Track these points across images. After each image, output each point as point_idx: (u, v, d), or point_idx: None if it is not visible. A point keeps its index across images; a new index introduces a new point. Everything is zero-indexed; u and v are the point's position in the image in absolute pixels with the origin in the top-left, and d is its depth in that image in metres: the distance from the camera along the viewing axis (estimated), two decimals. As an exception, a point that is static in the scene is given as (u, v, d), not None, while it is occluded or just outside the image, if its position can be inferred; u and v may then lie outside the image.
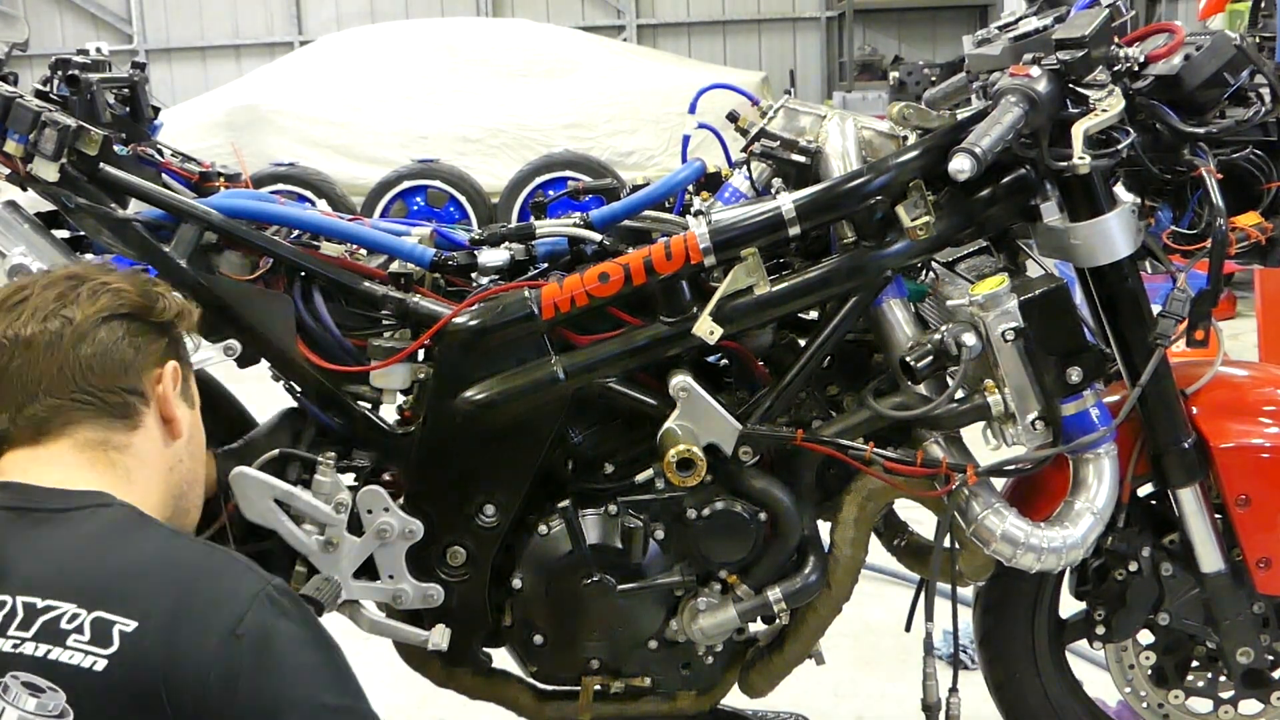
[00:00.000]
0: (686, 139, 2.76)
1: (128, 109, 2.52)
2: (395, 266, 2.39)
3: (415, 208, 9.63)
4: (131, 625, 1.45)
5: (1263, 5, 6.94)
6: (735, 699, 2.58)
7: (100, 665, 1.43)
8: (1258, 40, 6.19)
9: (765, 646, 2.49)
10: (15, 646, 1.45)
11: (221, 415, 2.43)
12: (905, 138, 2.25)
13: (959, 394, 2.16)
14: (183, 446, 1.81)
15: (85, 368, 1.68)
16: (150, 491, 1.73)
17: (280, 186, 8.85)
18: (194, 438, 1.85)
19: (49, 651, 1.44)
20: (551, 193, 9.23)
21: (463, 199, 9.63)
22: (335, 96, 10.34)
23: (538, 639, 2.39)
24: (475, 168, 9.89)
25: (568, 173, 9.62)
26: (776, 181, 2.37)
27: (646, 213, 2.44)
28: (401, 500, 2.34)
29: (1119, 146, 2.08)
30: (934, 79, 10.99)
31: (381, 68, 10.59)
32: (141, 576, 1.51)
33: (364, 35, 11.57)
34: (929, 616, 2.41)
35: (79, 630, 1.45)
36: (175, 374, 1.78)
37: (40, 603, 1.47)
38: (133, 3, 15.63)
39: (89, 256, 2.40)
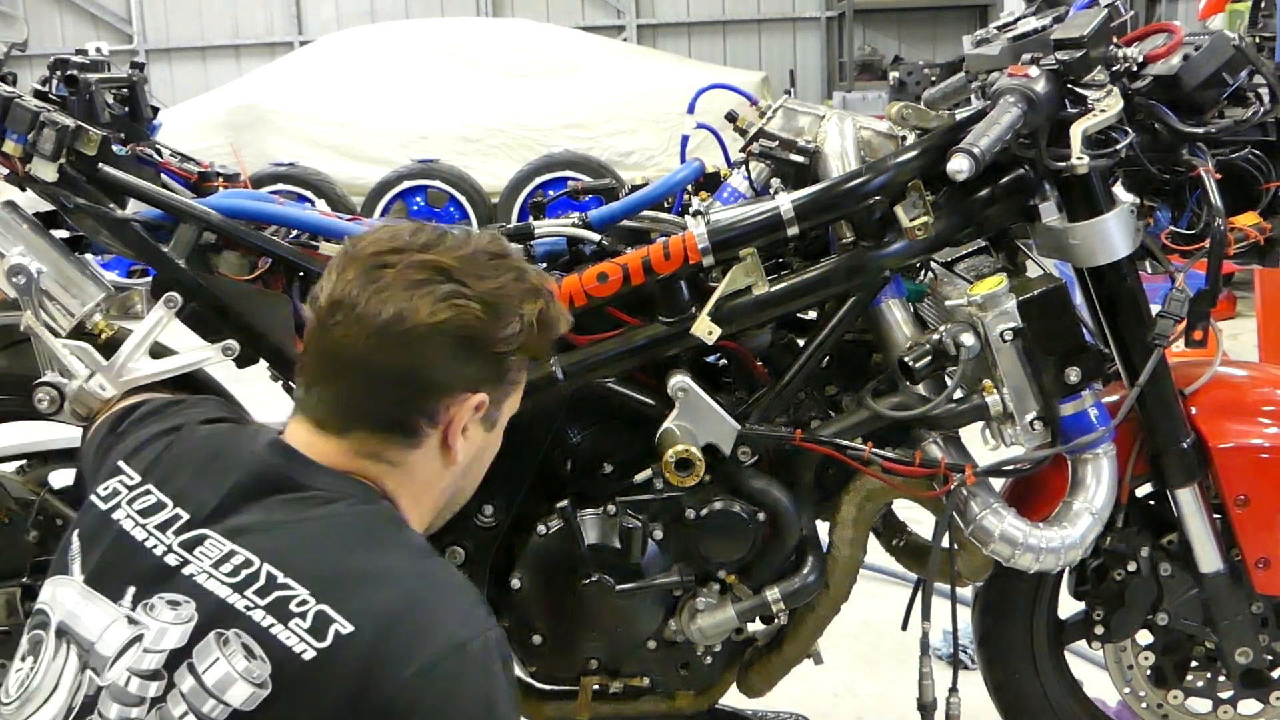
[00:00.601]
0: (685, 139, 2.76)
1: (126, 109, 2.52)
2: (394, 266, 2.38)
3: (415, 208, 9.63)
4: (349, 629, 1.50)
5: (1262, 5, 6.95)
6: (735, 699, 2.58)
7: (309, 655, 1.48)
8: (1257, 40, 6.20)
9: (764, 646, 2.49)
10: (247, 608, 1.52)
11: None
12: (904, 138, 2.25)
13: (957, 394, 2.17)
14: (458, 471, 1.78)
15: (392, 376, 1.66)
16: (411, 505, 1.74)
17: (280, 186, 8.85)
18: (477, 461, 1.83)
19: (272, 625, 1.50)
20: (551, 193, 9.22)
21: (463, 199, 9.63)
22: (335, 96, 10.34)
23: (536, 639, 2.39)
24: (475, 168, 9.89)
25: (568, 173, 9.62)
26: (775, 181, 2.37)
27: (645, 213, 2.44)
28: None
29: (1118, 147, 2.08)
30: (934, 79, 10.97)
31: (381, 68, 10.59)
32: (374, 583, 1.55)
33: (364, 35, 11.57)
34: (926, 616, 2.41)
35: (303, 616, 1.50)
36: (480, 406, 1.72)
37: (281, 576, 1.54)
38: (133, 3, 15.62)
39: (89, 256, 2.40)
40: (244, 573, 1.54)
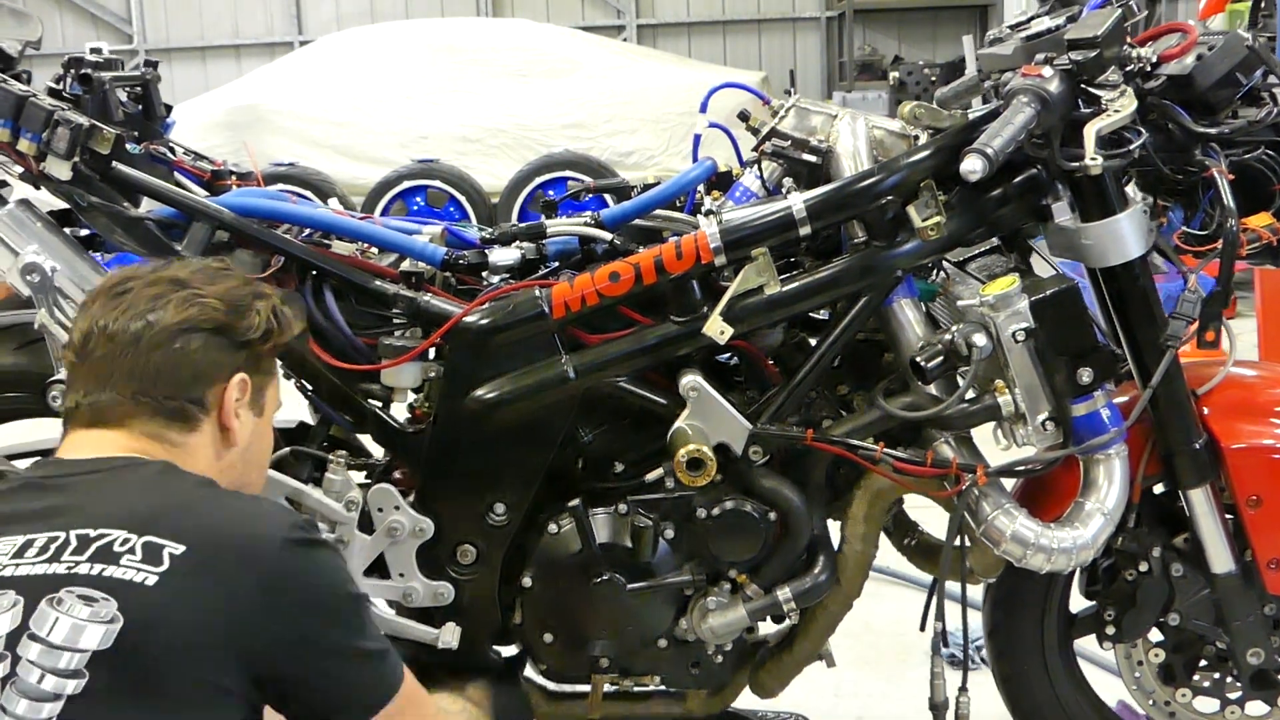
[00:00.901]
0: (698, 138, 2.76)
1: (140, 107, 2.53)
2: (406, 265, 2.39)
3: (415, 208, 9.63)
4: (180, 549, 1.58)
5: (1263, 5, 6.95)
6: (742, 699, 2.58)
7: (151, 580, 1.56)
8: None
9: (775, 646, 2.49)
10: (70, 569, 1.57)
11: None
12: (916, 138, 2.26)
13: (969, 394, 2.17)
14: (236, 454, 1.89)
15: (154, 373, 1.78)
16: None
17: (280, 186, 8.80)
18: (254, 445, 1.93)
19: (103, 570, 1.56)
20: (552, 193, 9.25)
21: (463, 199, 9.63)
22: (335, 96, 10.34)
23: (547, 637, 2.39)
24: (475, 168, 9.89)
25: (568, 173, 9.62)
26: (787, 181, 2.37)
27: (657, 212, 2.44)
28: (412, 498, 2.34)
29: (1131, 147, 2.08)
30: (934, 79, 11.02)
31: (381, 68, 10.59)
32: (186, 508, 1.66)
33: (364, 35, 11.56)
34: (939, 616, 2.41)
35: (131, 551, 1.58)
36: (243, 386, 1.86)
37: (93, 532, 1.60)
38: (133, 3, 15.62)
39: (98, 255, 2.40)
40: (52, 546, 1.60)
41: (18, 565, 1.59)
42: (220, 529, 1.64)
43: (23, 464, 2.49)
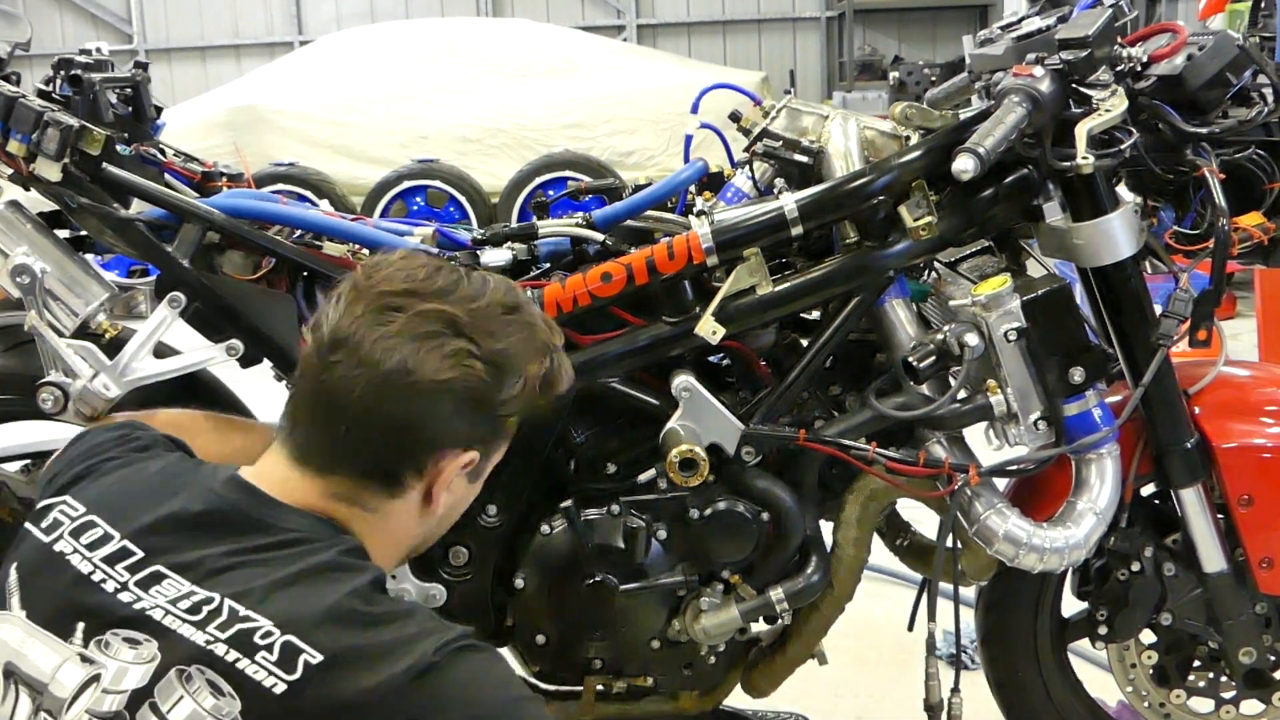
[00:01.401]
0: (689, 139, 2.75)
1: (130, 109, 2.52)
2: (398, 266, 2.39)
3: (415, 208, 9.62)
4: (318, 658, 1.44)
5: (1263, 5, 6.94)
6: (736, 698, 2.58)
7: (279, 689, 1.43)
8: (1258, 40, 6.19)
9: (768, 646, 2.49)
10: (209, 644, 1.46)
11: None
12: (908, 138, 2.25)
13: (961, 394, 2.17)
14: (432, 521, 1.75)
15: (386, 427, 1.62)
16: (379, 547, 1.69)
17: (280, 186, 8.84)
18: (454, 509, 1.79)
19: (238, 660, 1.44)
20: (552, 193, 9.24)
21: (463, 199, 9.62)
22: (335, 96, 10.32)
23: (540, 639, 2.39)
24: (475, 168, 9.88)
25: (568, 173, 9.61)
26: (779, 181, 2.37)
27: (649, 212, 2.44)
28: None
29: (1122, 146, 2.08)
30: (934, 79, 11.02)
31: (381, 68, 10.58)
32: (332, 612, 1.50)
33: (364, 35, 11.56)
34: (931, 616, 2.41)
35: (269, 649, 1.45)
36: (470, 464, 1.70)
37: (243, 610, 1.48)
38: (133, 3, 15.63)
39: (91, 257, 2.40)
40: (205, 609, 1.49)
41: (167, 614, 1.49)
42: (361, 649, 1.47)
43: (11, 467, 2.50)
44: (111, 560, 1.56)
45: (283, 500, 1.62)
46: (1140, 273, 2.23)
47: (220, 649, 1.45)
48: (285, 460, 1.65)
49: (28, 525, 1.65)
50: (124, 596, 1.52)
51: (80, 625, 1.52)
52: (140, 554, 1.56)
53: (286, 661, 1.44)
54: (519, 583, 2.35)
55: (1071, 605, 2.55)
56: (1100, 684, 2.74)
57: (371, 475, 1.64)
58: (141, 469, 1.72)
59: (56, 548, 1.59)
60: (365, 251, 2.42)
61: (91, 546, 1.58)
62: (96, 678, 1.48)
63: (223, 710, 1.43)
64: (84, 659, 1.50)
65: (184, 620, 1.49)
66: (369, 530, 1.66)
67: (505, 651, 2.50)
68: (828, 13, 15.89)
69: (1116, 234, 2.15)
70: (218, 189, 2.48)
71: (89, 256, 2.39)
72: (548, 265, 2.39)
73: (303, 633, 1.46)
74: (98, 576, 1.55)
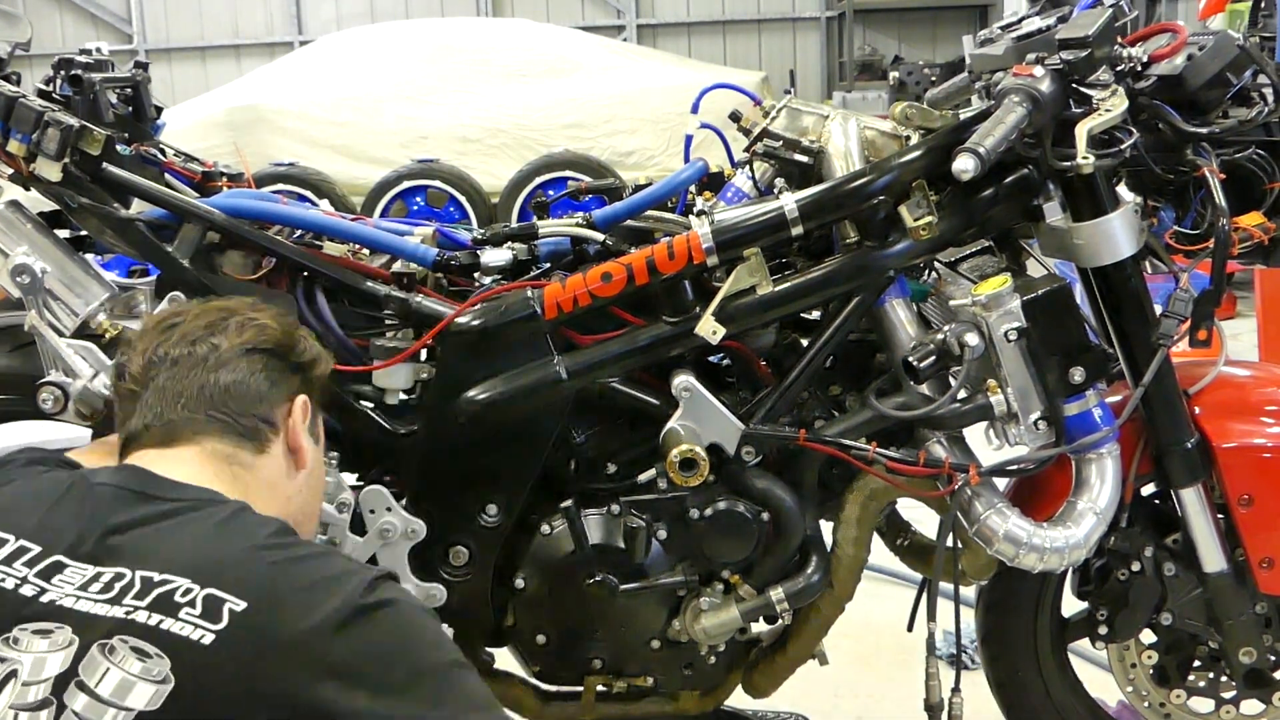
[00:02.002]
0: (689, 139, 2.76)
1: (130, 109, 2.52)
2: (398, 266, 2.40)
3: (415, 208, 9.62)
4: (241, 605, 1.49)
5: (1263, 5, 6.95)
6: (735, 698, 2.58)
7: (208, 639, 1.46)
8: (1258, 40, 6.20)
9: (768, 646, 2.49)
10: (128, 614, 1.49)
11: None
12: (908, 138, 2.25)
13: (961, 394, 2.16)
14: (304, 478, 1.88)
15: (224, 391, 1.79)
16: (268, 509, 1.75)
17: (280, 186, 8.83)
18: (315, 472, 1.92)
19: (161, 621, 1.48)
20: (552, 193, 9.24)
21: (463, 199, 9.62)
22: (335, 96, 10.32)
23: (540, 639, 2.39)
24: (475, 168, 9.88)
25: (568, 173, 9.61)
26: (779, 181, 2.37)
27: (649, 212, 2.44)
28: (404, 500, 2.34)
29: (1122, 146, 2.08)
30: (934, 79, 11.03)
31: (381, 68, 10.57)
32: (254, 560, 1.57)
33: (364, 35, 11.56)
34: (931, 616, 2.41)
35: (191, 604, 1.49)
36: (305, 408, 1.87)
37: (157, 576, 1.52)
38: (133, 3, 15.63)
39: (91, 257, 2.40)
40: (117, 585, 1.52)
41: (77, 599, 1.52)
42: (282, 590, 1.52)
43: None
44: (9, 560, 1.58)
45: (168, 476, 1.70)
46: (1140, 273, 2.23)
47: (140, 615, 1.48)
48: (152, 450, 1.76)
49: None
50: (26, 590, 1.54)
51: None
52: (36, 549, 1.59)
53: (211, 613, 1.48)
54: (519, 583, 2.35)
55: (1072, 605, 2.55)
56: (1100, 684, 2.73)
57: (236, 433, 1.79)
58: (33, 479, 1.75)
59: None
60: (365, 252, 2.43)
61: None
62: (14, 673, 1.48)
63: (152, 671, 1.45)
64: None
65: (97, 600, 1.51)
66: (251, 491, 1.76)
67: (504, 652, 2.51)
68: (828, 13, 15.90)
69: (1117, 234, 2.15)
70: (218, 189, 2.49)
71: (89, 256, 2.40)
72: (548, 265, 2.39)
73: (222, 583, 1.50)
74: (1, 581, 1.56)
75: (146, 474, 1.70)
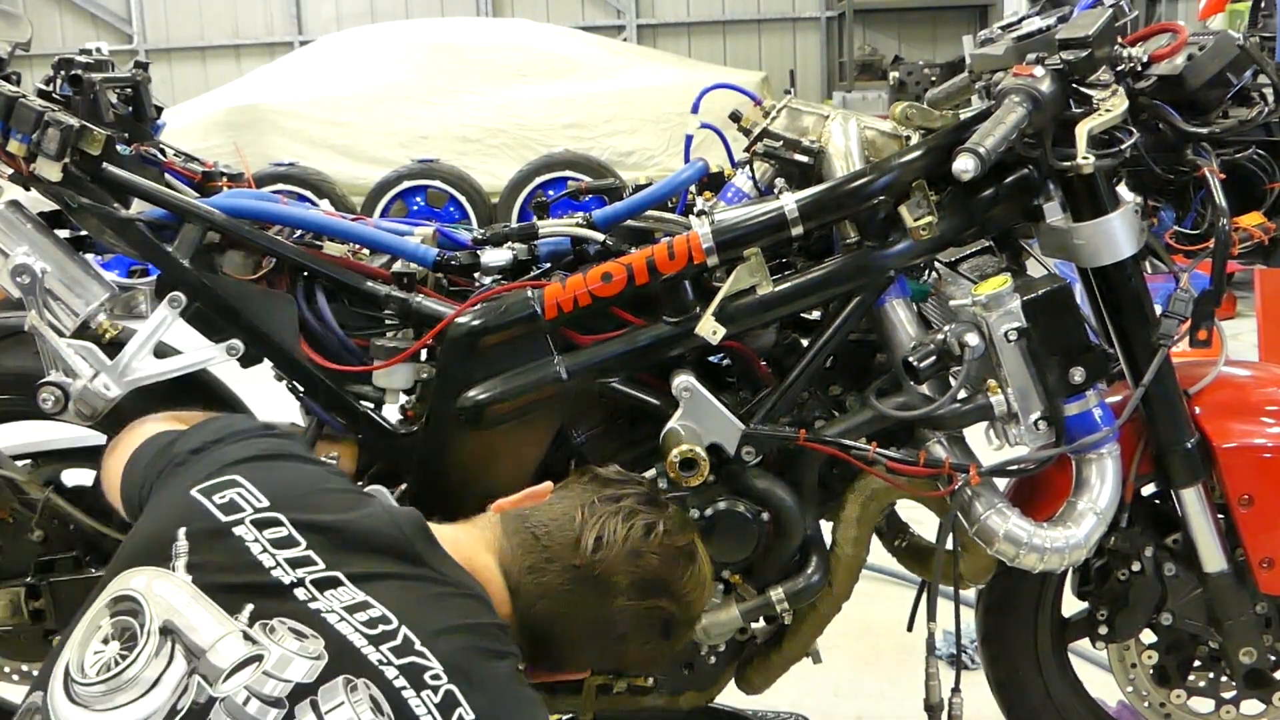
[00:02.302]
0: (689, 139, 2.76)
1: (130, 109, 2.52)
2: (398, 266, 2.39)
3: (415, 208, 9.63)
4: (472, 716, 1.57)
5: (1263, 5, 6.94)
6: (735, 698, 2.58)
7: None
8: (1258, 40, 6.19)
9: (763, 644, 2.49)
10: (380, 663, 1.56)
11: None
12: (908, 138, 2.25)
13: (962, 394, 2.16)
14: None
15: (566, 635, 1.88)
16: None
17: (280, 186, 8.84)
18: None
19: (404, 689, 1.55)
20: (552, 193, 9.25)
21: (463, 199, 9.63)
22: (335, 96, 10.33)
23: (540, 638, 2.39)
24: (475, 168, 9.89)
25: (567, 173, 9.62)
26: (779, 181, 2.37)
27: (649, 212, 2.44)
28: (404, 500, 2.33)
29: (1122, 146, 2.08)
30: (934, 79, 11.03)
31: (381, 68, 10.59)
32: (490, 680, 1.64)
33: (364, 35, 11.57)
34: (931, 617, 2.41)
35: (434, 691, 1.56)
36: None
37: (418, 644, 1.59)
38: (133, 3, 15.63)
39: (91, 257, 2.40)
40: (381, 628, 1.58)
41: (341, 620, 1.58)
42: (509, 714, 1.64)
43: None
44: (294, 564, 1.64)
45: (446, 550, 1.76)
46: (1140, 273, 2.22)
47: (390, 673, 1.55)
48: (464, 534, 1.91)
49: (194, 493, 1.73)
50: (299, 593, 1.61)
51: (249, 606, 1.59)
52: (321, 564, 1.65)
53: (446, 708, 1.56)
54: (519, 583, 2.35)
55: (1072, 605, 2.55)
56: (1100, 684, 2.74)
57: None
58: (316, 476, 1.83)
59: (237, 531, 1.67)
60: (365, 252, 2.43)
61: (277, 545, 1.66)
62: (259, 658, 1.54)
63: None
64: (246, 637, 1.56)
65: (357, 630, 1.57)
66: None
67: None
68: (828, 13, 15.90)
69: (1117, 234, 2.15)
70: (218, 189, 2.48)
71: (89, 256, 2.39)
72: (548, 265, 2.39)
73: (465, 689, 1.59)
74: (277, 572, 1.63)
75: (431, 541, 1.76)
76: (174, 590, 1.61)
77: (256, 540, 1.66)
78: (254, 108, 10.21)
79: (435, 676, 1.56)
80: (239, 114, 10.12)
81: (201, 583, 1.62)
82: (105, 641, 1.60)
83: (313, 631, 1.57)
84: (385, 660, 1.55)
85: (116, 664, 1.57)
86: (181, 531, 1.67)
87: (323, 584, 1.62)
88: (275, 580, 1.61)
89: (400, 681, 1.54)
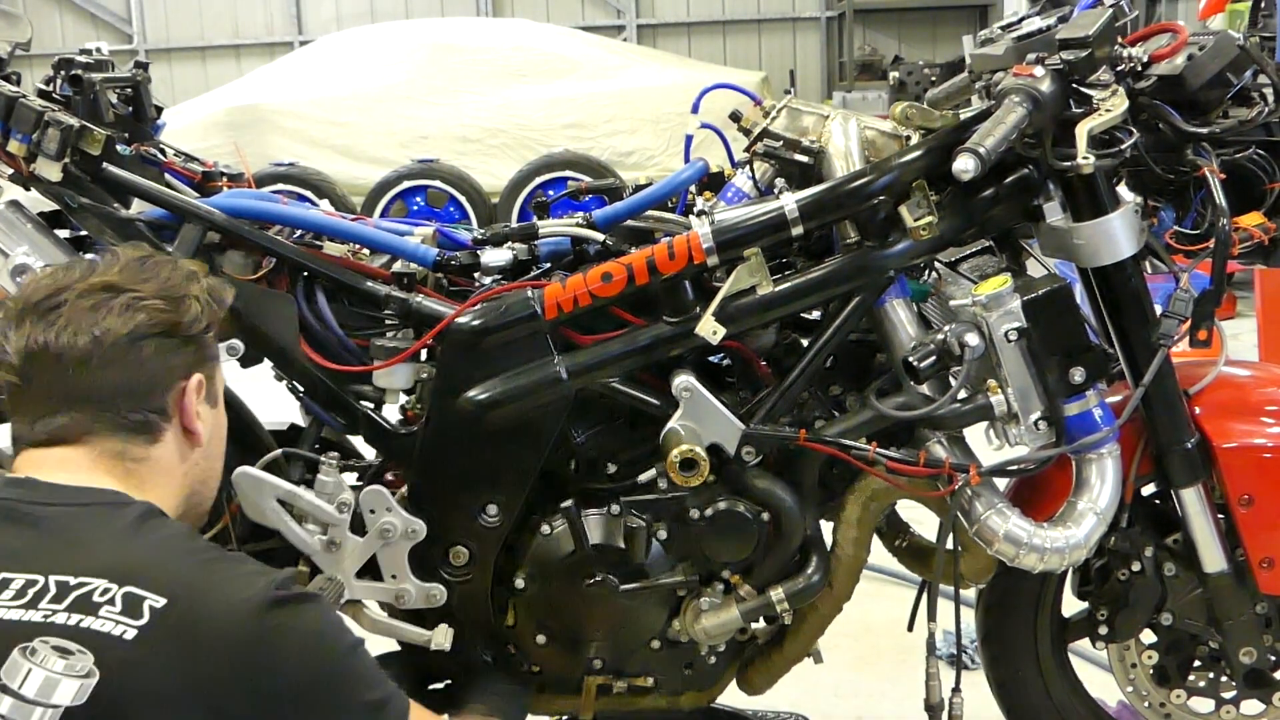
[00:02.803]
0: (689, 139, 2.76)
1: (130, 109, 2.52)
2: (398, 266, 2.39)
3: (415, 208, 9.63)
4: (161, 601, 1.53)
5: (1263, 5, 6.95)
6: (736, 699, 2.58)
7: (130, 634, 1.50)
8: (1258, 40, 6.20)
9: (764, 644, 2.49)
10: (46, 617, 1.52)
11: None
12: (908, 138, 2.25)
13: (962, 394, 2.16)
14: (199, 453, 1.85)
15: (111, 391, 1.72)
16: (163, 496, 1.77)
17: (280, 186, 8.84)
18: (214, 437, 1.89)
19: (81, 620, 1.51)
20: (552, 193, 9.25)
21: (463, 199, 9.64)
22: (335, 96, 10.34)
23: (540, 639, 2.39)
24: (475, 168, 9.90)
25: (567, 173, 9.63)
26: (780, 181, 2.37)
27: (649, 212, 2.44)
28: (404, 500, 2.34)
29: (1122, 146, 2.08)
30: (934, 79, 11.04)
31: (381, 68, 10.59)
32: (169, 560, 1.60)
33: (364, 35, 11.58)
34: (932, 617, 2.41)
35: (110, 603, 1.52)
36: (200, 387, 1.81)
37: (73, 580, 1.54)
38: (133, 3, 15.63)
39: (90, 256, 2.40)
40: (30, 591, 1.54)
41: None
42: (201, 587, 1.57)
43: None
44: None
45: (61, 482, 1.68)
46: (1141, 273, 2.22)
47: (60, 617, 1.51)
48: (39, 451, 1.72)
49: None
50: None
51: None
52: None
53: (131, 609, 1.52)
54: (519, 583, 2.35)
55: (1072, 605, 2.55)
56: (1100, 684, 2.74)
57: (125, 430, 1.74)
58: None
59: None
60: (365, 251, 2.43)
61: None
62: None
63: (75, 667, 1.49)
64: None
65: (9, 607, 1.53)
66: (147, 482, 1.75)
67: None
68: (828, 13, 15.90)
69: (1117, 234, 2.15)
70: (218, 189, 2.48)
71: (89, 257, 2.39)
72: (548, 265, 2.39)
73: (140, 582, 1.54)
74: None
75: (37, 485, 1.67)
76: None
77: None
78: (254, 108, 10.22)
79: (104, 591, 1.53)
80: (239, 114, 10.13)
81: None
82: None
83: None
84: (50, 613, 1.51)
85: None
86: None
87: None
88: None
89: (74, 618, 1.51)
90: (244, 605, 1.57)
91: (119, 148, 2.32)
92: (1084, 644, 2.58)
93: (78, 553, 1.58)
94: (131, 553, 1.59)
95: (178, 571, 1.58)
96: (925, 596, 2.50)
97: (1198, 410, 2.32)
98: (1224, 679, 2.49)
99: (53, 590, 1.54)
